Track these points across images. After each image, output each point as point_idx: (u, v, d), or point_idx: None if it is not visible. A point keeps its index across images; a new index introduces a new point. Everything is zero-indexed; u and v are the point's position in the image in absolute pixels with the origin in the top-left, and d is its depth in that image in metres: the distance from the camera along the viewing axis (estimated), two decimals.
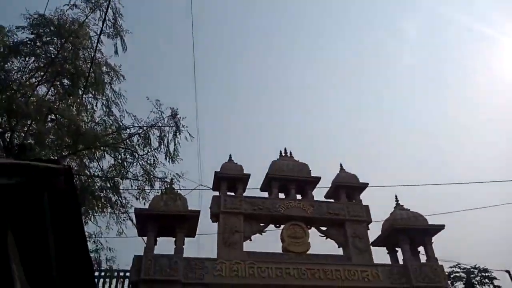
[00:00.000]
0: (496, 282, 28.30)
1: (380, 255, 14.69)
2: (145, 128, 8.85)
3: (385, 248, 14.64)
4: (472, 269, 28.71)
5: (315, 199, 14.36)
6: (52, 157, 7.85)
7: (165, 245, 13.02)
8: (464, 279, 28.70)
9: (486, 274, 28.54)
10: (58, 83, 8.80)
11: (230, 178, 13.89)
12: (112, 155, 8.94)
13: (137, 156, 8.95)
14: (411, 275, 12.74)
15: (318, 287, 12.56)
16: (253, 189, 14.43)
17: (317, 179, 14.76)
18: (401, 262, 13.61)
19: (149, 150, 8.98)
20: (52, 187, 3.54)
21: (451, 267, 29.06)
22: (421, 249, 14.20)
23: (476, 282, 28.74)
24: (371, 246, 13.70)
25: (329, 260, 12.92)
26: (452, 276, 28.66)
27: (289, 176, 14.51)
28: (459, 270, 28.98)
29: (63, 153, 8.34)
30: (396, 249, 14.37)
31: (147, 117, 8.83)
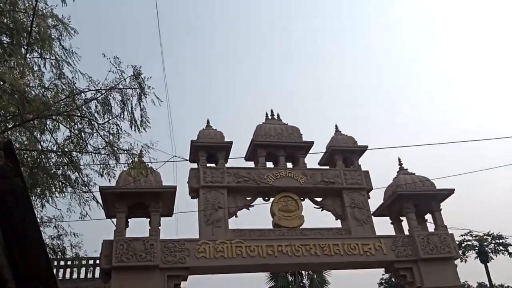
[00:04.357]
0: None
1: (383, 226, 15.02)
2: (103, 91, 8.61)
3: (388, 218, 14.91)
4: (485, 237, 29.72)
5: (307, 166, 14.41)
6: None
7: (138, 227, 13.06)
8: (477, 248, 29.75)
9: (501, 241, 29.60)
10: None
11: (209, 147, 13.80)
12: (67, 125, 8.73)
13: (96, 125, 8.77)
14: (418, 246, 13.06)
15: (315, 264, 12.87)
16: (237, 158, 14.43)
17: (310, 144, 14.77)
18: (406, 232, 13.93)
19: (110, 117, 8.80)
20: None
21: (462, 236, 30.08)
22: (428, 217, 14.52)
23: (489, 250, 29.83)
24: (372, 217, 13.92)
25: (325, 234, 13.13)
26: (463, 245, 29.67)
27: (278, 142, 14.48)
28: (471, 238, 29.99)
29: (8, 125, 8.10)
30: (401, 218, 14.62)
31: (105, 78, 8.59)
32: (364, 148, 14.93)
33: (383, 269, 14.71)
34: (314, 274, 28.63)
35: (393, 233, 14.35)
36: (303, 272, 28.58)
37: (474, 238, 29.90)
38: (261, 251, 12.25)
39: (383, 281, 39.16)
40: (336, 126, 15.81)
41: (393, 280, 36.00)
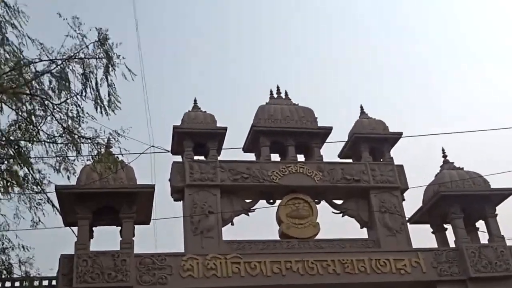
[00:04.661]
0: None
1: (422, 236, 15.03)
2: (59, 62, 8.53)
3: (428, 225, 14.96)
4: None
5: (324, 159, 14.41)
6: None
7: (106, 238, 13.07)
8: None
9: None
10: None
11: (197, 135, 13.78)
12: (13, 106, 8.68)
13: (51, 106, 8.70)
14: (467, 261, 13.06)
15: (333, 285, 12.86)
16: (233, 149, 14.40)
17: (327, 130, 14.75)
18: (452, 244, 13.94)
19: (69, 96, 8.73)
20: None
21: None
22: (480, 224, 14.56)
23: None
24: (408, 224, 13.96)
25: (347, 247, 13.15)
26: None
27: (286, 128, 14.45)
28: None
29: None
30: (445, 226, 14.68)
31: (61, 45, 8.50)
32: (397, 136, 14.89)
33: None
34: None
35: (434, 245, 14.39)
36: None
37: None
38: (264, 268, 12.25)
39: None
40: (362, 108, 15.77)
41: None
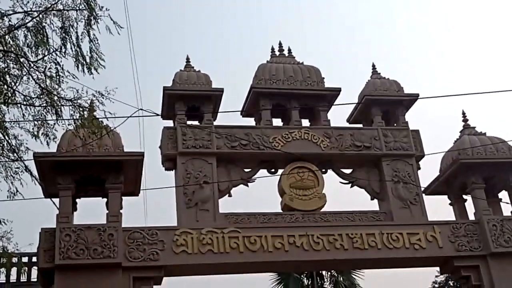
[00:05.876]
0: None
1: (439, 208, 15.12)
2: (35, 14, 8.45)
3: (446, 196, 15.07)
4: None
5: (332, 124, 14.41)
6: None
7: (90, 211, 13.15)
8: None
9: None
10: None
11: (190, 97, 13.73)
12: None
13: (27, 64, 8.66)
14: (487, 235, 13.15)
15: (341, 261, 13.02)
16: (230, 113, 14.34)
17: (335, 92, 14.68)
18: (472, 217, 14.05)
19: (47, 53, 8.67)
20: None
21: None
22: (503, 195, 14.69)
23: None
24: (423, 195, 14.02)
25: (356, 220, 13.24)
26: None
27: (289, 89, 14.37)
28: None
29: None
30: (464, 197, 14.76)
31: None
32: (413, 97, 14.81)
33: (438, 268, 14.89)
34: (339, 275, 29.07)
35: (452, 217, 14.50)
36: (324, 272, 29.02)
37: None
38: (265, 243, 12.36)
39: (436, 285, 39.74)
40: (374, 66, 15.67)
41: (452, 284, 36.53)
